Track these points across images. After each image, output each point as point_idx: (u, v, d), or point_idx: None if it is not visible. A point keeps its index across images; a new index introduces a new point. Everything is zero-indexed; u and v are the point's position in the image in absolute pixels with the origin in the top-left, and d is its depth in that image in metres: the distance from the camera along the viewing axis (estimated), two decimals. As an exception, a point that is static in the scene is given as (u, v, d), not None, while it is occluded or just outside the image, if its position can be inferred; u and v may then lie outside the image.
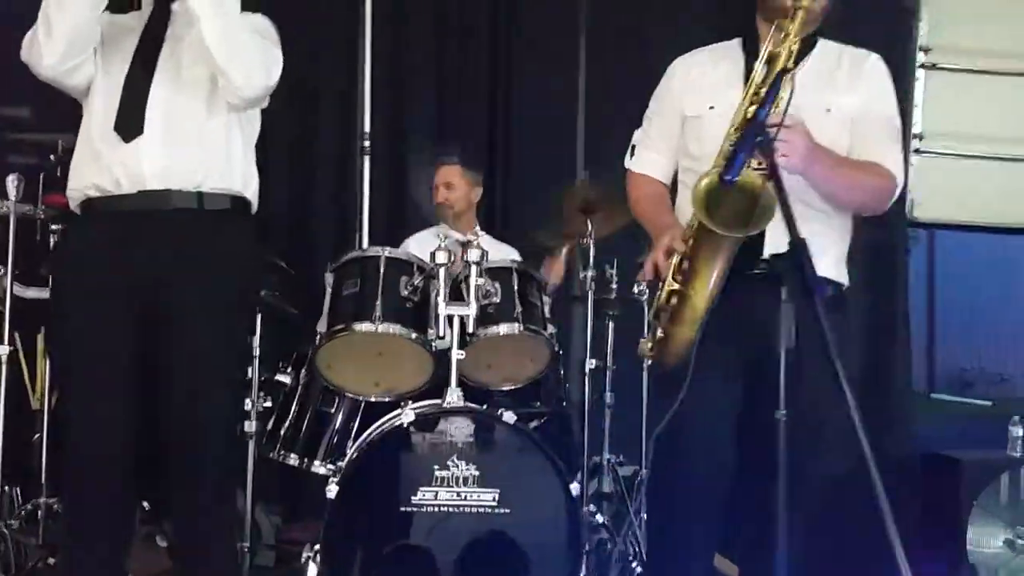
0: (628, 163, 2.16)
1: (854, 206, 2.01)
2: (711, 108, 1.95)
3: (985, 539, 3.08)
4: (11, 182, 2.55)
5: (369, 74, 3.52)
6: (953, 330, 4.24)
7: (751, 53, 1.94)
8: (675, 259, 1.82)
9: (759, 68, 1.79)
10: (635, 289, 2.83)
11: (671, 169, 2.10)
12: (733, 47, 2.02)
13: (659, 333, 1.88)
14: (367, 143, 3.51)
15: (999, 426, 3.30)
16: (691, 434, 1.89)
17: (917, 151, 3.90)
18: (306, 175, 3.69)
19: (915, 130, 3.89)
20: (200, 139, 2.06)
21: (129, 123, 2.01)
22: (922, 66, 3.88)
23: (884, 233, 3.68)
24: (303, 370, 2.78)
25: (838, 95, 1.95)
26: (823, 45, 1.99)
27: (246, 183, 2.14)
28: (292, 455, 2.73)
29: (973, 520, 3.09)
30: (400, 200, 3.71)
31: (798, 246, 1.58)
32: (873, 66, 2.02)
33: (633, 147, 2.16)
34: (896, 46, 3.76)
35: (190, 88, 2.06)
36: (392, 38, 3.68)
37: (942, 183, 3.93)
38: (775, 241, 1.75)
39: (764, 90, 1.68)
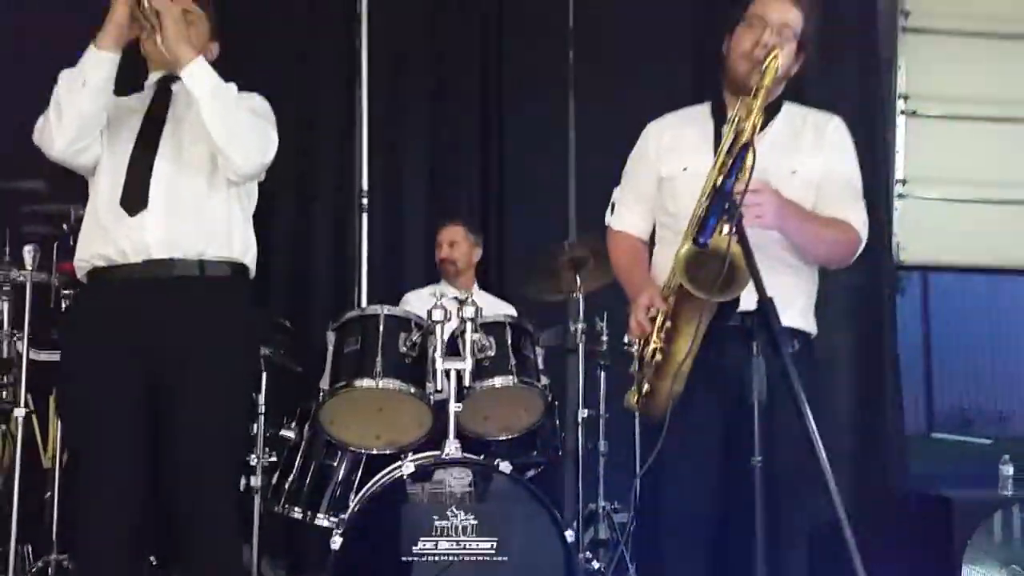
0: (608, 220, 2.34)
1: (822, 260, 2.17)
2: (685, 169, 2.13)
3: (981, 579, 3.16)
4: (28, 253, 2.72)
5: (367, 134, 3.72)
6: (951, 370, 4.39)
7: (719, 119, 2.13)
8: (659, 319, 1.97)
9: (728, 136, 1.96)
10: (625, 340, 2.99)
11: (648, 225, 2.28)
12: (703, 111, 2.21)
13: (645, 387, 2.01)
14: (365, 200, 3.71)
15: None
16: (672, 477, 2.02)
17: (900, 196, 4.10)
18: (304, 234, 3.85)
19: (898, 175, 4.10)
20: (201, 213, 2.22)
21: (134, 198, 2.17)
22: (902, 112, 4.09)
23: (871, 277, 3.85)
24: (306, 425, 2.90)
25: (803, 157, 2.11)
26: (788, 108, 2.16)
27: (245, 251, 2.30)
28: (296, 508, 2.84)
29: (968, 560, 3.16)
30: (398, 255, 3.88)
31: (765, 305, 1.76)
32: (835, 129, 2.18)
33: (613, 204, 2.34)
34: (876, 94, 3.99)
35: (191, 166, 2.22)
36: (387, 98, 3.86)
37: (927, 226, 4.11)
38: (745, 299, 1.88)
39: (730, 161, 1.87)
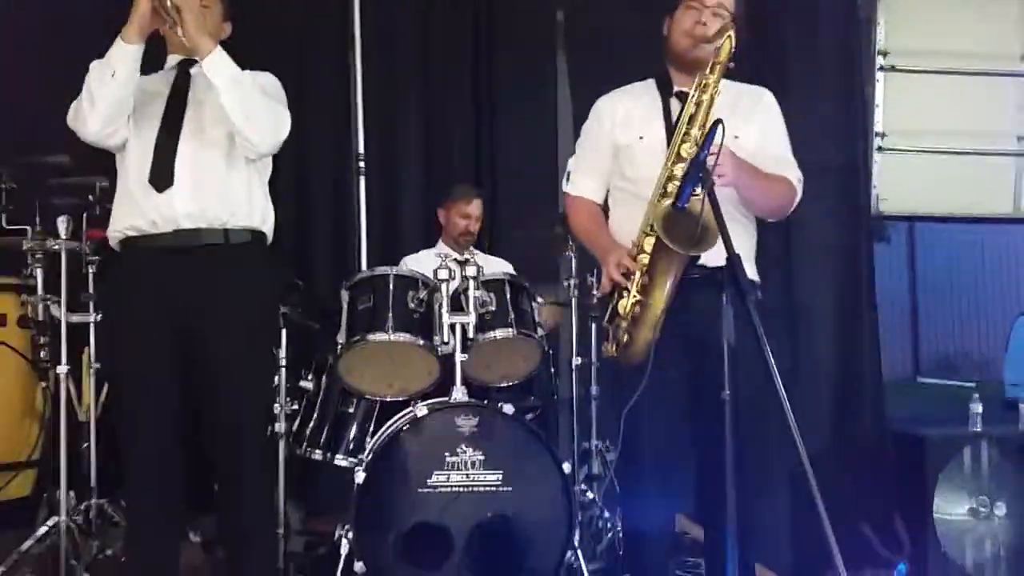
0: (565, 188, 2.66)
1: (767, 212, 2.52)
2: (640, 138, 2.47)
3: (950, 508, 3.47)
4: (61, 223, 3.01)
5: (361, 99, 4.00)
6: (937, 317, 4.73)
7: (665, 92, 2.48)
8: (637, 275, 2.26)
9: (688, 108, 2.28)
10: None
11: (603, 191, 2.61)
12: (649, 86, 2.54)
13: (624, 337, 2.31)
14: (362, 164, 3.98)
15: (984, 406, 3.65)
16: (651, 414, 2.34)
17: (880, 149, 4.46)
18: (306, 202, 4.14)
19: (877, 129, 4.45)
20: (223, 187, 2.51)
21: (161, 176, 2.47)
22: (881, 68, 4.43)
23: (851, 228, 4.19)
24: (323, 376, 3.23)
25: (740, 124, 2.40)
26: (723, 83, 2.41)
27: (263, 219, 2.62)
28: (317, 451, 3.16)
29: (939, 491, 3.46)
30: (395, 218, 4.18)
31: (733, 260, 2.08)
32: (768, 102, 2.53)
33: (569, 173, 2.66)
34: (856, 50, 4.28)
35: (212, 145, 2.51)
36: (382, 64, 4.13)
37: (906, 178, 4.46)
38: (713, 255, 2.18)
39: (700, 135, 2.20)
